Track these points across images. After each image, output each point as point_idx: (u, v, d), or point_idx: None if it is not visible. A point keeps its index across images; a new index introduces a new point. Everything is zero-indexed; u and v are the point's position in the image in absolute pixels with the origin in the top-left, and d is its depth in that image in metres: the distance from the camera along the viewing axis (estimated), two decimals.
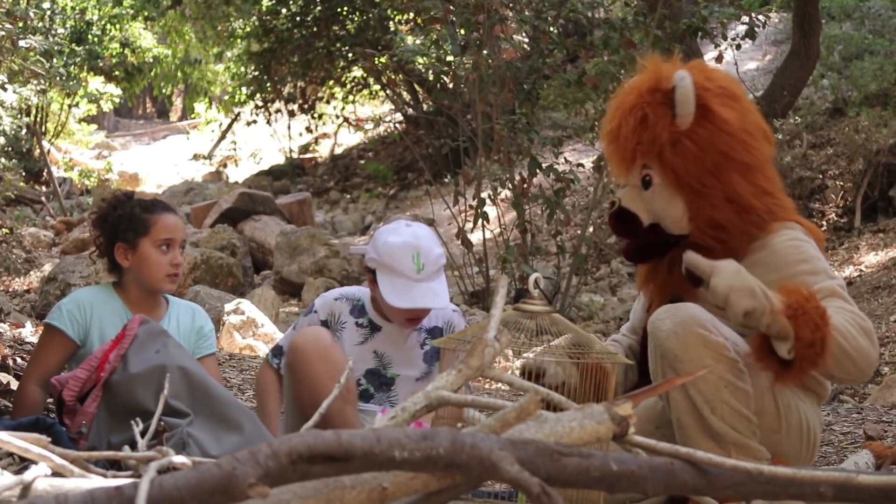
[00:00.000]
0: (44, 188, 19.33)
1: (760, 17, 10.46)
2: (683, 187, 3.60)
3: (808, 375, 3.32)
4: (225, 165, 26.33)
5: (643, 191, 3.70)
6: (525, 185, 10.55)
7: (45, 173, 19.44)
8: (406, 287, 4.30)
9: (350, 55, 22.08)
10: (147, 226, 4.21)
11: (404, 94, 21.24)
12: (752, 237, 3.59)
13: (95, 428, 3.77)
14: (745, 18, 10.35)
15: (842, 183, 12.95)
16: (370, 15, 20.52)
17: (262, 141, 25.76)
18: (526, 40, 11.99)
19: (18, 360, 5.26)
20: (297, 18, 22.30)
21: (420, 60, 12.99)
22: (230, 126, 26.39)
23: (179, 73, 25.92)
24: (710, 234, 3.59)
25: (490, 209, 10.82)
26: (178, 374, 3.79)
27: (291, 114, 23.46)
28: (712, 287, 3.23)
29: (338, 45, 22.38)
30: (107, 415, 3.77)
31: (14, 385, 4.73)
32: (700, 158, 3.57)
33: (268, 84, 22.90)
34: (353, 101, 24.26)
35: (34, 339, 6.47)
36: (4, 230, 13.54)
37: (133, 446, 3.16)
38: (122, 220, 4.24)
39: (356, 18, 22.11)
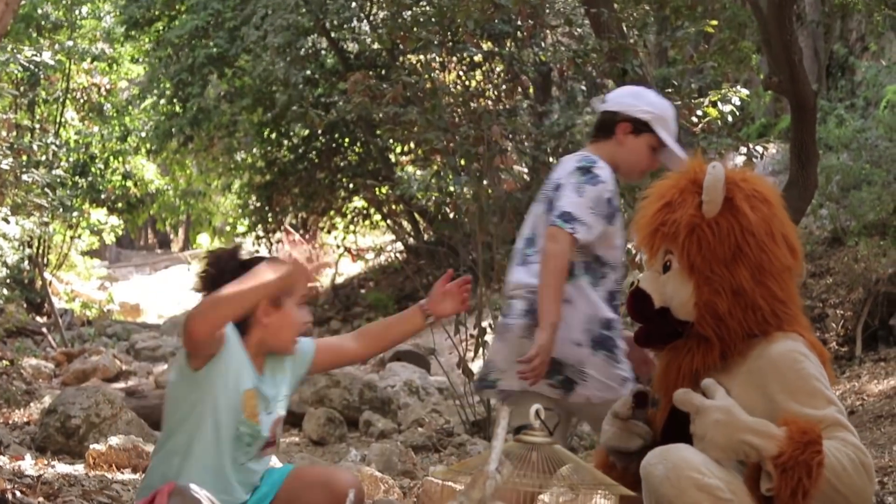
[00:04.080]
0: (45, 319, 19.34)
1: (758, 147, 10.54)
2: (695, 272, 3.64)
3: None
4: None
5: (661, 275, 3.74)
6: None
7: (46, 304, 19.48)
8: (676, 149, 4.70)
9: (351, 185, 22.27)
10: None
11: (405, 224, 21.39)
12: (752, 341, 3.61)
13: None
14: (744, 149, 10.44)
15: (842, 312, 12.96)
16: (371, 146, 20.72)
17: None
18: (526, 171, 12.09)
19: (18, 493, 5.21)
20: (299, 150, 22.52)
21: (421, 194, 13.10)
22: None
23: (182, 206, 26.14)
24: (711, 325, 3.62)
25: (491, 338, 10.81)
26: None
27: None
28: (692, 427, 3.37)
29: (339, 175, 22.58)
30: None
31: None
32: (715, 248, 3.62)
33: (269, 215, 23.05)
34: (355, 231, 24.40)
35: (34, 473, 6.43)
36: (5, 362, 13.51)
37: None
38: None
39: (357, 149, 22.33)
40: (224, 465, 4.03)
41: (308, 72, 20.57)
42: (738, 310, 3.61)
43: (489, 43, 12.46)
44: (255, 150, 22.73)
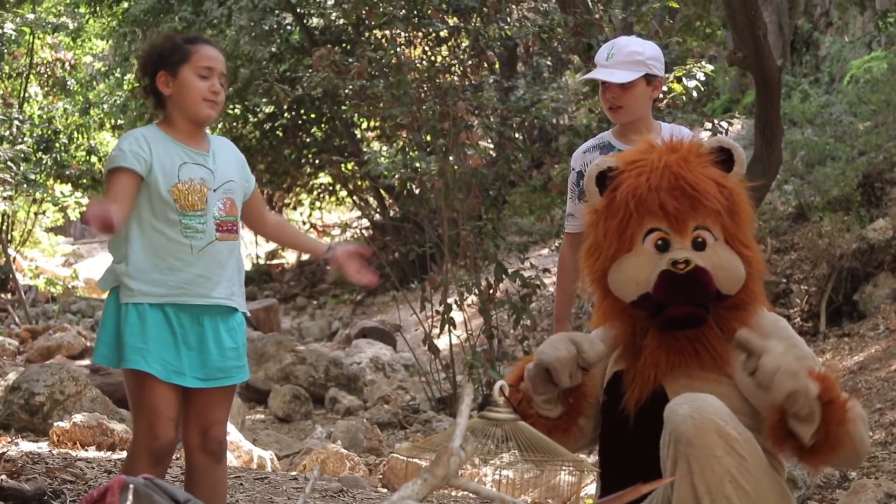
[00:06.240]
0: (9, 296, 19.24)
1: (723, 123, 10.56)
2: (736, 243, 3.62)
3: (823, 461, 3.39)
4: None
5: (699, 252, 3.65)
6: (491, 291, 10.56)
7: (10, 281, 19.36)
8: (594, 72, 5.06)
9: (317, 162, 22.22)
10: (188, 54, 4.31)
11: (371, 200, 21.35)
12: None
13: None
14: (709, 125, 10.45)
15: (806, 287, 13.02)
16: (337, 122, 20.67)
17: None
18: (491, 147, 12.09)
19: None
20: (265, 126, 22.44)
21: (388, 172, 13.10)
22: None
23: None
24: (752, 292, 3.63)
25: (457, 315, 10.82)
26: None
27: None
28: (761, 365, 3.29)
29: (305, 151, 22.51)
30: None
31: None
32: (747, 216, 3.63)
33: None
34: (320, 208, 24.35)
35: None
36: None
37: None
38: (166, 50, 4.34)
39: (323, 125, 22.27)
40: (176, 256, 4.23)
41: (273, 48, 20.52)
42: (762, 274, 3.65)
43: (455, 18, 12.45)
44: (219, 125, 22.63)
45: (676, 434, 3.34)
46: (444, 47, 12.90)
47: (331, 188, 23.54)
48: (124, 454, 6.99)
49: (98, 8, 22.96)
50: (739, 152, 3.66)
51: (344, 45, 19.00)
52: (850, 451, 3.42)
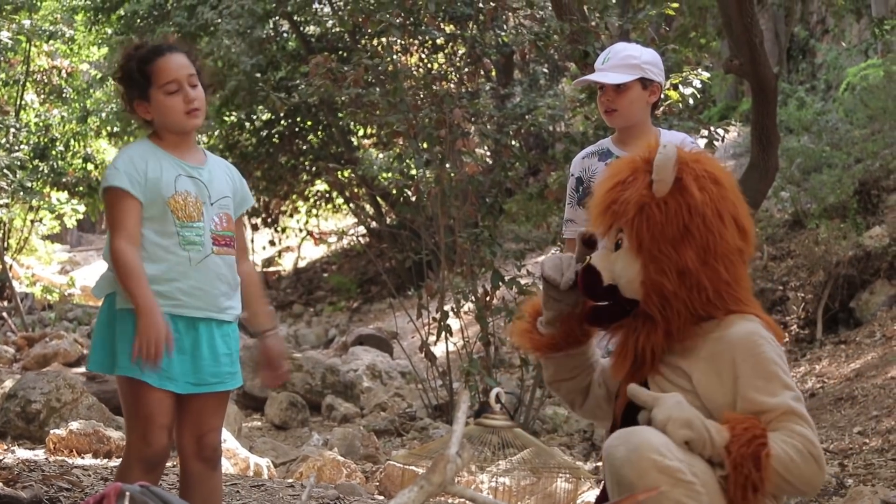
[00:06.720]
0: (5, 303, 19.22)
1: (720, 130, 10.55)
2: (642, 251, 3.62)
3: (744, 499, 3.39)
4: None
5: (612, 252, 3.72)
6: (488, 298, 10.55)
7: (6, 288, 19.35)
8: (589, 75, 5.20)
9: (314, 169, 22.22)
10: (149, 76, 4.29)
11: (367, 207, 21.34)
12: (707, 324, 3.60)
13: None
14: (705, 132, 10.45)
15: (803, 294, 13.02)
16: (333, 129, 20.66)
17: None
18: (488, 154, 12.08)
19: None
20: (261, 134, 22.43)
21: (384, 175, 13.10)
22: None
23: None
24: (656, 304, 3.59)
25: (453, 322, 10.81)
26: None
27: (255, 227, 23.49)
28: (652, 417, 3.36)
29: (301, 159, 22.50)
30: None
31: None
32: (663, 227, 3.59)
33: None
34: (317, 215, 24.34)
35: None
36: None
37: None
38: (130, 79, 4.35)
39: (320, 133, 22.27)
40: (174, 268, 4.21)
41: (262, 55, 20.52)
42: (683, 290, 3.59)
43: (451, 25, 12.45)
44: (216, 133, 22.62)
45: (618, 477, 3.36)
46: (440, 55, 12.91)
47: (327, 195, 23.53)
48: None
49: (101, 15, 22.99)
50: (658, 159, 3.65)
51: (340, 52, 19.04)
52: (776, 491, 3.42)
